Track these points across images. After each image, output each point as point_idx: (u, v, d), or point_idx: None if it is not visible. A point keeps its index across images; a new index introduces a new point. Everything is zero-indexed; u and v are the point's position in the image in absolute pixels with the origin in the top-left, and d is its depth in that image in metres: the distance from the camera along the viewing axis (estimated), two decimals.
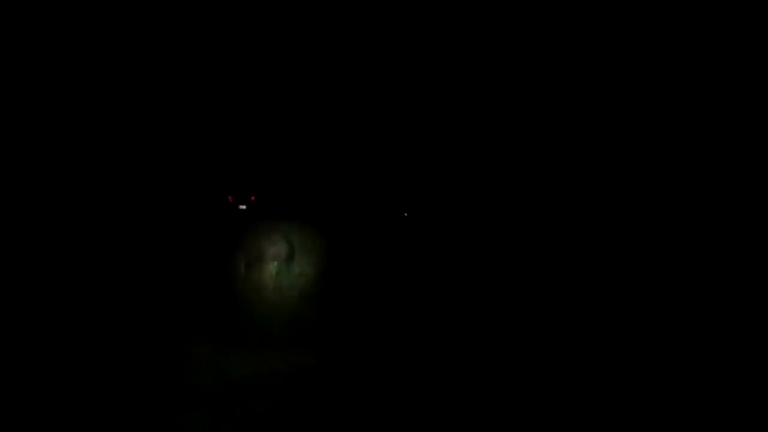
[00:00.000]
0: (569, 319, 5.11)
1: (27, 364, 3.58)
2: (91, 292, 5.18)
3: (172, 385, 3.36)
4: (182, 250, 6.10)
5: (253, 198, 7.00)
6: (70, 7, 5.89)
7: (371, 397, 3.34)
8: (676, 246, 6.13)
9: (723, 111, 6.26)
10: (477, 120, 7.24)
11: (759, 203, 5.94)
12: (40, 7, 5.75)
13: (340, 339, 4.47)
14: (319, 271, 6.16)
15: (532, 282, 6.17)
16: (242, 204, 6.95)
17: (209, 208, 6.86)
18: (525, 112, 7.09)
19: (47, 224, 5.80)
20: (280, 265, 6.01)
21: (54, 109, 6.07)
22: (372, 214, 7.29)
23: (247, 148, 7.07)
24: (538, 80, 6.97)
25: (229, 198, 6.93)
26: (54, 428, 2.84)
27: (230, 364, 3.76)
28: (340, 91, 7.15)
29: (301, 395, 3.33)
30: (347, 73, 7.08)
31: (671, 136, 6.50)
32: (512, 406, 3.24)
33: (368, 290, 6.00)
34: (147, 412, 3.03)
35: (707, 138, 6.31)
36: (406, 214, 7.38)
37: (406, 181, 7.42)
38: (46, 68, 5.96)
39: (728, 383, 3.61)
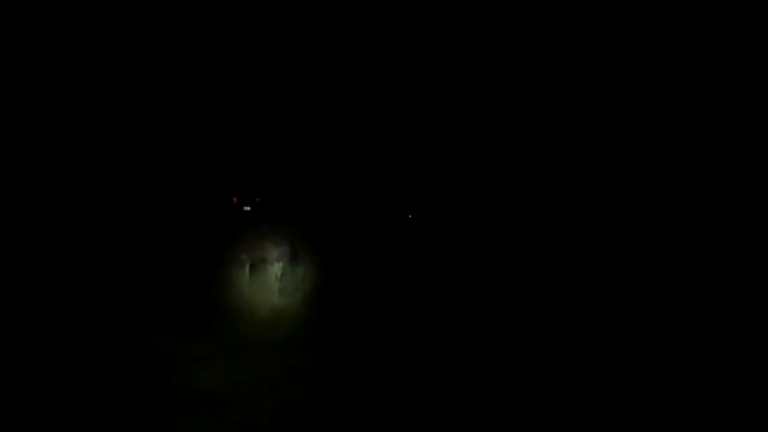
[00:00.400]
0: (571, 321, 5.10)
1: (26, 364, 3.61)
2: (99, 293, 5.22)
3: (177, 385, 3.38)
4: (186, 251, 6.13)
5: (257, 199, 7.02)
6: (80, 10, 5.93)
7: (375, 398, 3.34)
8: (676, 246, 6.11)
9: (723, 111, 6.24)
10: (481, 123, 7.23)
11: (759, 203, 5.92)
12: (43, 8, 5.79)
13: (344, 341, 4.48)
14: (323, 272, 6.17)
15: (535, 284, 6.15)
16: (247, 205, 6.98)
17: (214, 209, 6.88)
18: (529, 116, 7.08)
19: (52, 227, 5.84)
20: (284, 266, 6.03)
21: (67, 114, 6.12)
22: (377, 216, 7.30)
23: (252, 150, 7.10)
24: (541, 84, 6.96)
25: (234, 199, 6.96)
26: (62, 427, 2.86)
27: (235, 365, 3.78)
28: (345, 96, 7.16)
29: (306, 396, 3.34)
30: (352, 78, 7.09)
31: (672, 137, 6.48)
32: (514, 407, 3.24)
33: (373, 292, 6.01)
34: (152, 412, 3.05)
35: (707, 138, 6.29)
36: (410, 216, 7.38)
37: (410, 184, 7.42)
38: (64, 72, 6.01)
39: (728, 383, 3.60)
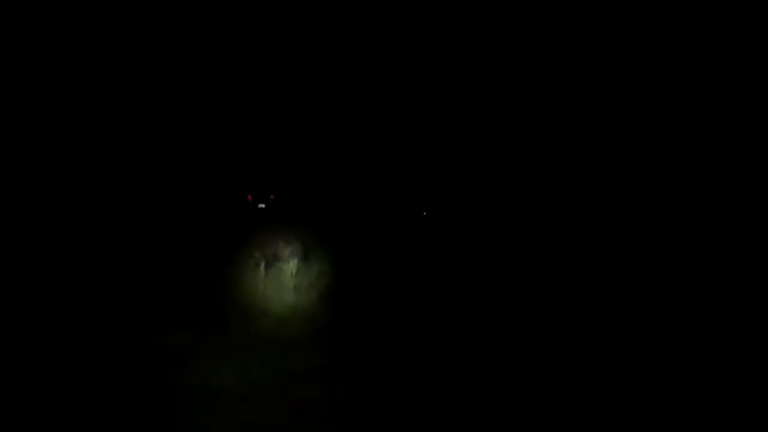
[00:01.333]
0: (588, 322, 5.02)
1: (40, 360, 3.64)
2: (115, 290, 5.25)
3: (192, 382, 3.38)
4: (201, 249, 6.14)
5: (272, 197, 7.02)
6: (106, 13, 6.00)
7: (392, 395, 3.30)
8: (680, 247, 6.03)
9: (723, 111, 6.14)
10: (495, 121, 7.16)
11: (759, 203, 5.82)
12: (60, 10, 5.85)
13: (359, 338, 4.44)
14: (338, 270, 6.15)
15: (552, 283, 6.07)
16: (261, 203, 6.98)
17: (228, 206, 6.89)
18: (542, 116, 7.00)
19: (72, 225, 5.90)
20: (299, 264, 6.02)
21: (86, 115, 6.19)
22: (391, 214, 7.25)
23: (266, 148, 7.10)
24: (552, 84, 6.89)
25: (248, 197, 6.96)
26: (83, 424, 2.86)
27: (250, 362, 3.76)
28: (359, 94, 7.14)
29: (322, 393, 3.31)
30: (367, 77, 7.07)
31: (675, 138, 6.39)
32: (528, 406, 3.17)
33: (388, 289, 5.96)
34: (167, 409, 3.04)
35: (707, 138, 6.20)
36: (425, 214, 7.32)
37: (425, 182, 7.37)
38: (87, 72, 6.09)
39: (728, 383, 3.53)
